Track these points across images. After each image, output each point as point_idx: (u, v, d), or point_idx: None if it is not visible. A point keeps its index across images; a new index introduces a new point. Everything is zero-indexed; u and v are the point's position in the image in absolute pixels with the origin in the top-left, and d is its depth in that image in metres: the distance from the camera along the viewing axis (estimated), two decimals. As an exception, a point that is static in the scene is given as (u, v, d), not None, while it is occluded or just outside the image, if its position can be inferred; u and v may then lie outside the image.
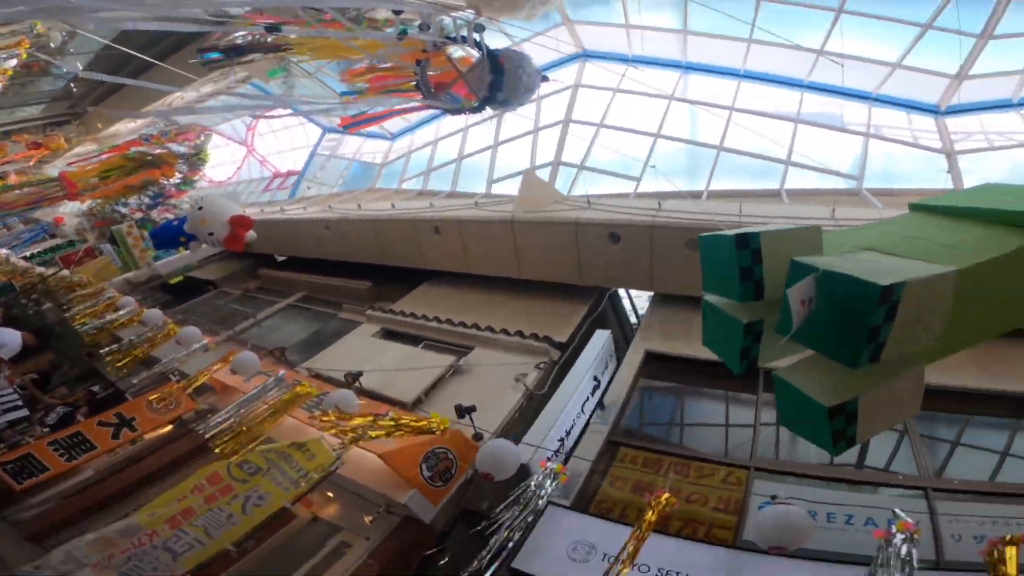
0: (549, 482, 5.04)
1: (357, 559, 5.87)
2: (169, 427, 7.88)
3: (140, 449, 7.71)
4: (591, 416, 6.84)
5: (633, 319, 10.52)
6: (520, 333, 8.57)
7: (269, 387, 7.12)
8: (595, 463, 6.25)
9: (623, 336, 9.64)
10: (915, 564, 3.62)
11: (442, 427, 6.25)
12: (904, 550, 3.66)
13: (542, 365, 7.88)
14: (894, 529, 3.75)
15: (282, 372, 7.44)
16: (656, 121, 11.81)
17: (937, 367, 6.88)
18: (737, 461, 5.97)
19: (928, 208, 3.44)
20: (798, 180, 9.57)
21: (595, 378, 7.00)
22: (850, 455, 6.10)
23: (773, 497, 4.38)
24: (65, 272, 15.66)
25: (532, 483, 4.98)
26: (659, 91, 12.02)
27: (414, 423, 6.14)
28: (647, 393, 7.54)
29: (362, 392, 7.70)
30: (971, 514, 5.02)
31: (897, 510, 3.91)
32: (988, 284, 2.78)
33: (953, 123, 8.84)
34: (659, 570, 4.82)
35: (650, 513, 4.55)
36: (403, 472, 5.94)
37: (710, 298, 2.99)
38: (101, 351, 9.22)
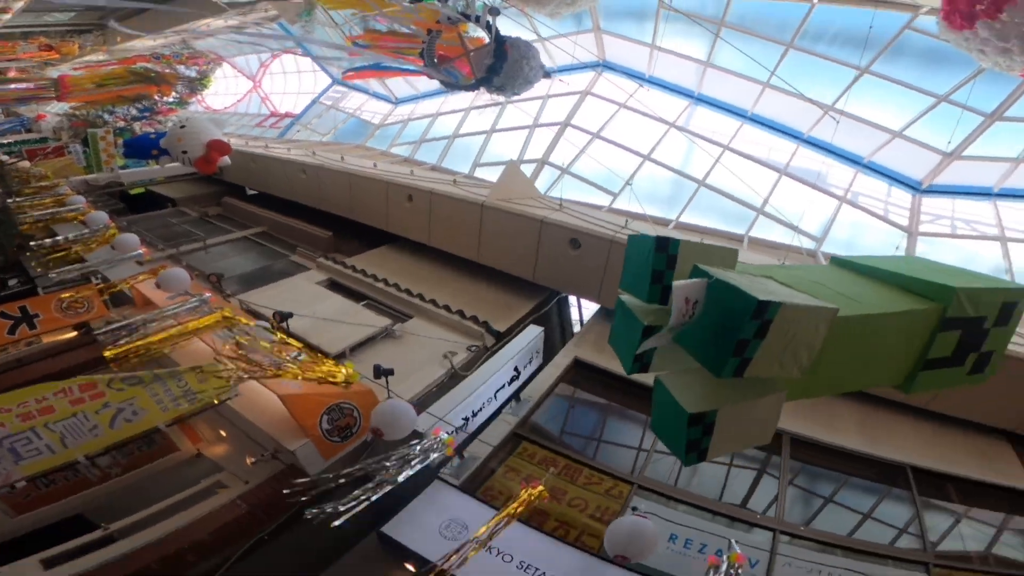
0: (436, 451, 4.96)
1: (227, 499, 5.55)
2: (73, 333, 7.48)
3: (34, 352, 7.20)
4: (504, 405, 6.77)
5: (577, 329, 10.50)
6: (461, 313, 8.48)
7: (189, 306, 6.91)
8: (495, 451, 6.18)
9: (561, 341, 9.60)
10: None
11: (347, 380, 6.07)
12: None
13: (473, 348, 7.79)
14: (725, 558, 3.82)
15: (207, 295, 7.22)
16: (651, 143, 11.85)
17: (825, 425, 7.08)
18: (623, 475, 5.95)
19: (846, 264, 3.59)
20: (764, 230, 9.65)
21: (516, 368, 6.93)
22: (737, 495, 6.15)
23: (634, 509, 4.37)
24: (26, 163, 15.19)
25: (418, 447, 4.88)
26: (662, 116, 12.07)
27: (319, 368, 5.96)
28: (574, 404, 7.51)
29: (288, 334, 7.53)
30: (807, 559, 5.28)
31: (734, 541, 3.96)
32: (867, 337, 2.90)
33: (928, 203, 8.98)
34: (520, 562, 4.77)
35: (518, 501, 4.51)
36: (301, 419, 5.66)
37: (624, 296, 3.06)
38: (32, 244, 8.79)
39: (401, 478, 4.47)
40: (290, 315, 7.70)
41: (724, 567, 3.87)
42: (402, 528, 5.03)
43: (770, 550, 5.37)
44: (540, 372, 7.43)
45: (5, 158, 16.58)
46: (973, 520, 6.39)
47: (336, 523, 3.84)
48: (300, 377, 5.75)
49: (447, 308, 8.62)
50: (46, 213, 9.87)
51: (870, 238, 9.19)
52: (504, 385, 6.78)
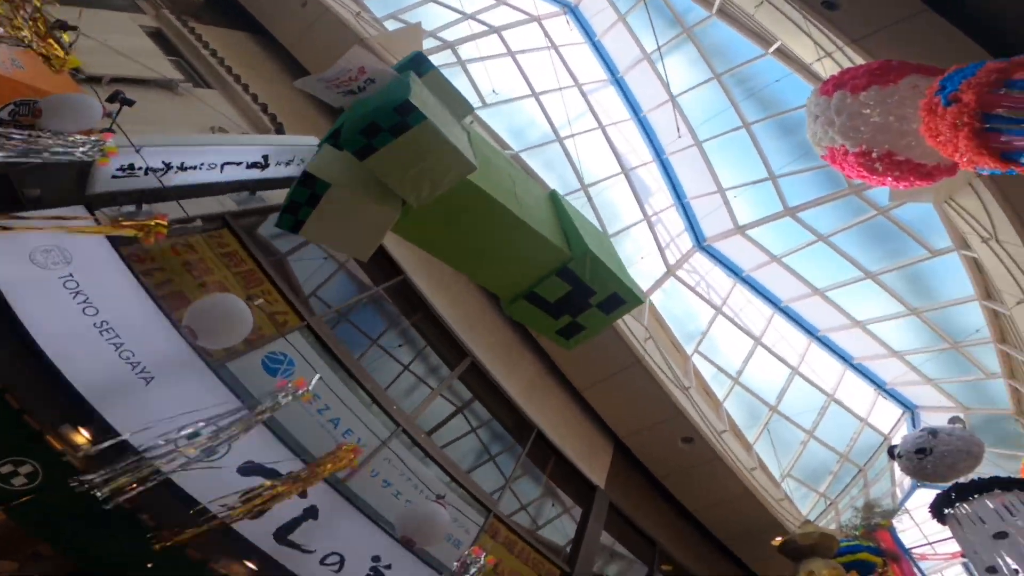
0: (89, 149, 3.79)
1: None
2: None
3: None
4: (229, 188, 5.65)
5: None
6: (265, 107, 7.25)
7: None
8: (185, 220, 5.14)
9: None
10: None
11: (64, 63, 4.60)
12: (284, 399, 3.52)
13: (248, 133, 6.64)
14: (292, 384, 3.56)
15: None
16: (549, 87, 11.07)
17: (506, 365, 7.06)
18: (301, 311, 5.40)
19: (557, 197, 3.81)
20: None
21: (264, 157, 5.80)
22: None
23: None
24: None
25: (77, 141, 3.72)
26: (578, 75, 11.40)
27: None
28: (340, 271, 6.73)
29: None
30: (404, 460, 5.26)
31: (318, 377, 3.72)
32: (501, 231, 2.96)
33: (697, 258, 9.39)
34: (103, 321, 3.94)
35: (133, 224, 3.69)
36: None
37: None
38: None
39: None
40: (73, 29, 5.82)
41: (288, 389, 3.58)
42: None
43: (385, 440, 5.26)
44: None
45: None
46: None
47: None
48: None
49: (254, 97, 7.31)
50: None
51: (636, 255, 9.23)
52: (242, 164, 5.61)
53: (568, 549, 6.68)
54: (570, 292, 3.18)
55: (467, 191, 2.78)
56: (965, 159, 3.03)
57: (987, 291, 6.82)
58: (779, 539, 6.68)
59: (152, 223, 3.67)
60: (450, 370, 6.66)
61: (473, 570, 3.65)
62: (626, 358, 7.03)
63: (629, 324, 7.10)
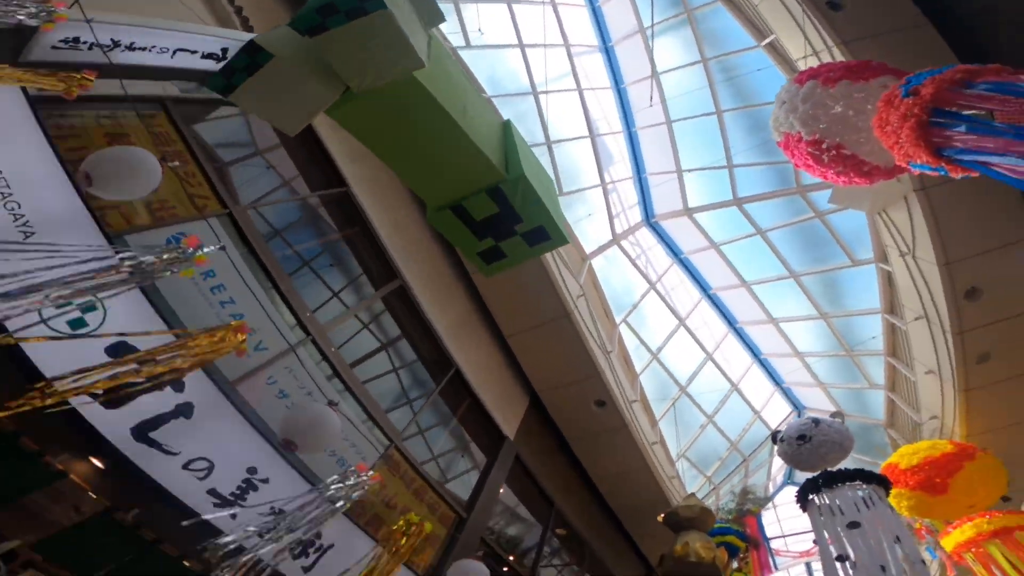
0: (35, 12, 3.41)
1: None
2: None
3: None
4: (182, 75, 4.92)
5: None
6: (240, 9, 6.31)
7: None
8: (124, 99, 4.40)
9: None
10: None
11: None
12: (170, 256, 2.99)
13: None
14: (184, 241, 3.05)
15: None
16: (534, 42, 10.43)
17: (436, 298, 6.69)
18: (228, 203, 4.81)
19: (509, 128, 3.61)
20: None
21: (223, 49, 4.98)
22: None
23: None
24: None
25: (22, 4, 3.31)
26: (572, 39, 10.79)
27: None
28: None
29: None
30: (308, 370, 4.90)
31: (209, 248, 3.22)
32: (439, 139, 2.85)
33: (642, 233, 9.33)
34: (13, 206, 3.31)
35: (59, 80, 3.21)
36: None
37: None
38: None
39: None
40: None
41: (180, 248, 3.07)
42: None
43: (292, 345, 4.81)
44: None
45: None
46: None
47: None
48: None
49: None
50: None
51: (583, 214, 9.00)
52: (197, 53, 4.86)
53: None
54: (497, 215, 3.09)
55: (412, 88, 2.71)
56: (902, 151, 2.94)
57: (891, 305, 7.16)
58: (663, 514, 6.93)
59: (77, 76, 3.15)
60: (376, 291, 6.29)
61: (352, 481, 3.39)
62: (557, 310, 6.89)
63: (565, 278, 6.96)
